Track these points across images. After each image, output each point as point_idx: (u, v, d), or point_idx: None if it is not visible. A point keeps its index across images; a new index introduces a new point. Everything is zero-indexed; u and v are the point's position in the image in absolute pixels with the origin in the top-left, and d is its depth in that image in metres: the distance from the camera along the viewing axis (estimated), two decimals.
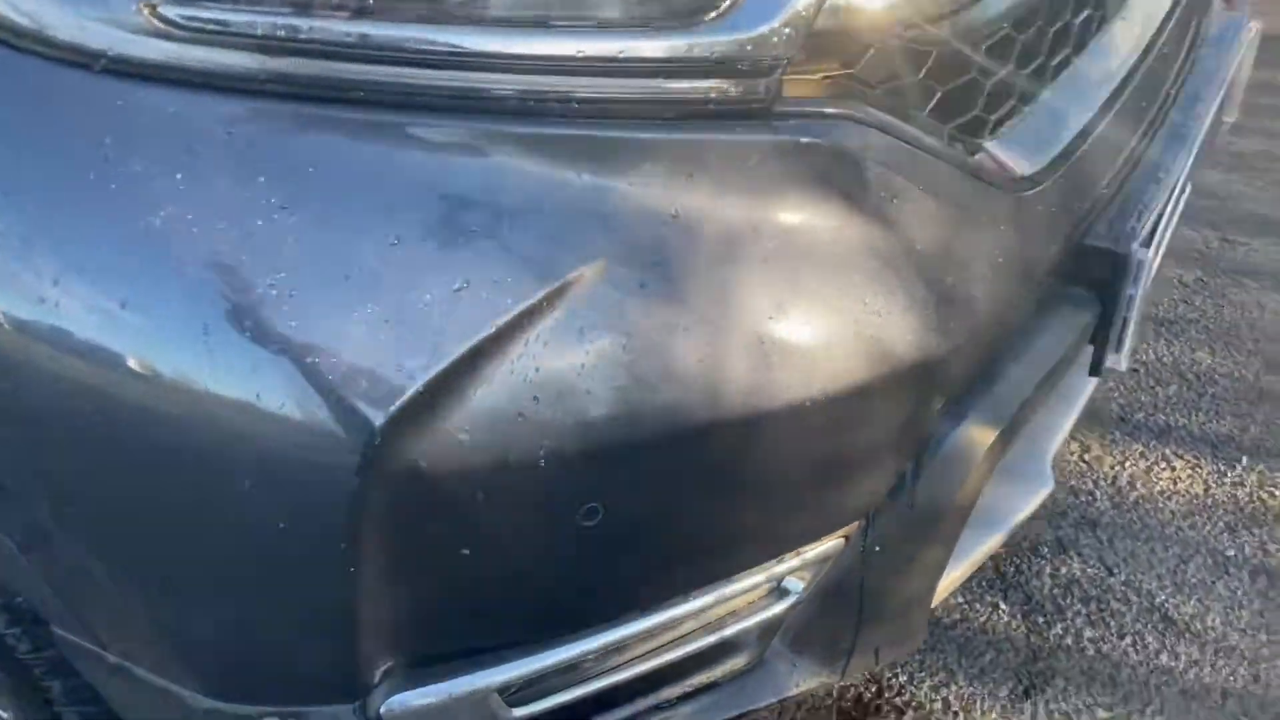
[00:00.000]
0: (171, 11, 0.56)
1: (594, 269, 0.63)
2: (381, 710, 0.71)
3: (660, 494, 0.70)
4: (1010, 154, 0.85)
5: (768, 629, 0.85)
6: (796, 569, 0.83)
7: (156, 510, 0.63)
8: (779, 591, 0.84)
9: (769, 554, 0.80)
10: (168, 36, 0.57)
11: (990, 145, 0.85)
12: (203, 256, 0.57)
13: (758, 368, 0.68)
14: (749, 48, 0.66)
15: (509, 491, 0.64)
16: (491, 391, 0.62)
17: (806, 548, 0.81)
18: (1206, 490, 1.50)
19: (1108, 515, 1.47)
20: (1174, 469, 1.54)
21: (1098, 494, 1.51)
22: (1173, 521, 1.46)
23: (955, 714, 1.23)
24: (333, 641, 0.68)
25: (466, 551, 0.66)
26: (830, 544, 0.82)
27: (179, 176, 0.57)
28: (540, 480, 0.64)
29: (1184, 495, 1.49)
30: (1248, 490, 1.50)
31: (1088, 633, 1.31)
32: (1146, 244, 0.92)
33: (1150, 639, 1.30)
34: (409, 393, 0.60)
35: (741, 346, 0.67)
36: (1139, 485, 1.52)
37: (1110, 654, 1.29)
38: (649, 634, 0.78)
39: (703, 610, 0.80)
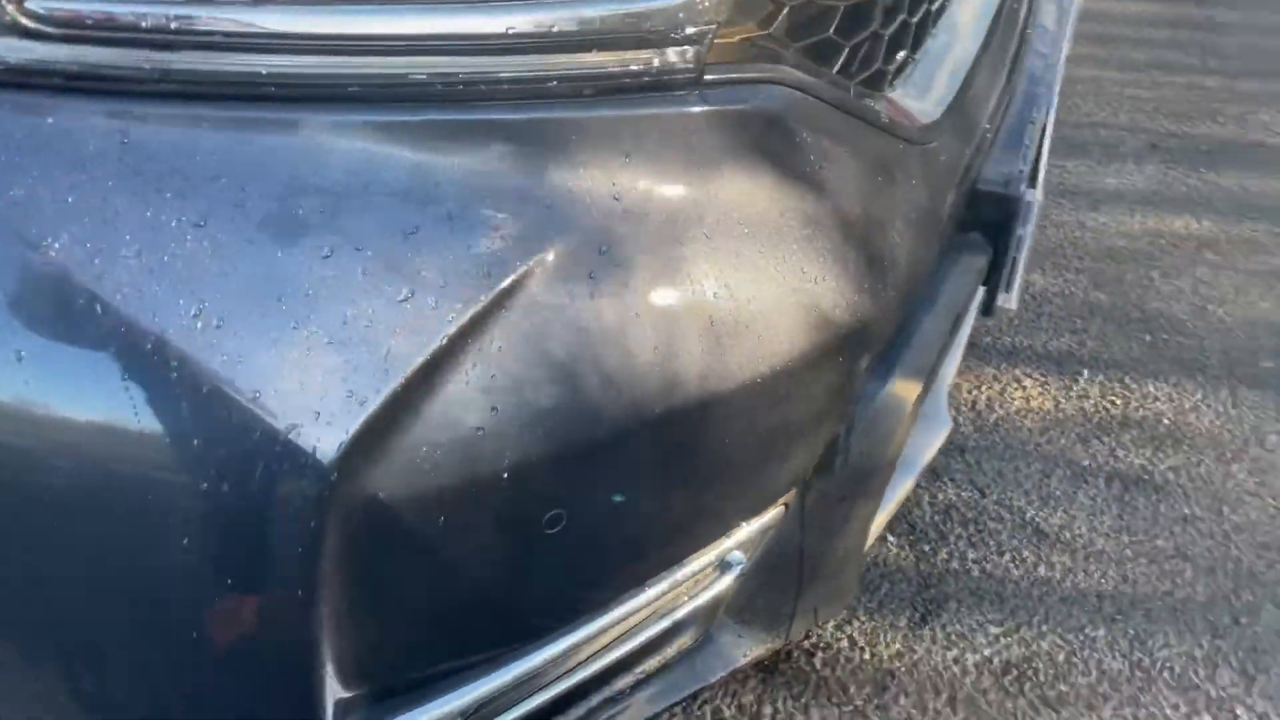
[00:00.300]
0: (42, 6, 0.47)
1: (541, 263, 0.59)
2: None
3: (620, 490, 0.67)
4: (913, 104, 0.85)
5: (714, 605, 0.84)
6: (742, 542, 0.82)
7: (76, 572, 0.55)
8: (723, 566, 0.83)
9: (718, 532, 0.78)
10: (39, 36, 0.48)
11: (894, 97, 0.84)
12: (110, 290, 0.49)
13: (712, 349, 0.66)
14: (680, 14, 0.63)
15: (473, 510, 0.60)
16: (448, 407, 0.57)
17: (751, 520, 0.80)
18: (1057, 405, 1.59)
19: (972, 439, 1.54)
20: (1025, 389, 1.63)
21: (960, 419, 1.58)
22: (1031, 439, 1.54)
23: (861, 649, 1.27)
24: (294, 690, 0.62)
25: (430, 576, 0.61)
26: (772, 513, 0.82)
27: (70, 199, 0.49)
28: (504, 494, 0.60)
29: (1037, 412, 1.58)
30: (1092, 401, 1.60)
31: (970, 554, 1.38)
32: (1032, 185, 0.94)
33: (1027, 553, 1.38)
34: (360, 420, 0.54)
35: (695, 329, 0.65)
36: (996, 407, 1.60)
37: (993, 572, 1.35)
38: (606, 629, 0.75)
39: (657, 598, 0.78)
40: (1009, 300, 0.99)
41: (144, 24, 0.49)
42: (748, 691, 1.23)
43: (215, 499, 0.53)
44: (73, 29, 0.48)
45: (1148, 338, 1.72)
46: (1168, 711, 1.20)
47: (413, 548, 0.59)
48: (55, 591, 0.55)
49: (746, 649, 0.87)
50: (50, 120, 0.49)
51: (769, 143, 0.69)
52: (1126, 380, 1.63)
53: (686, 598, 0.82)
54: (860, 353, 0.78)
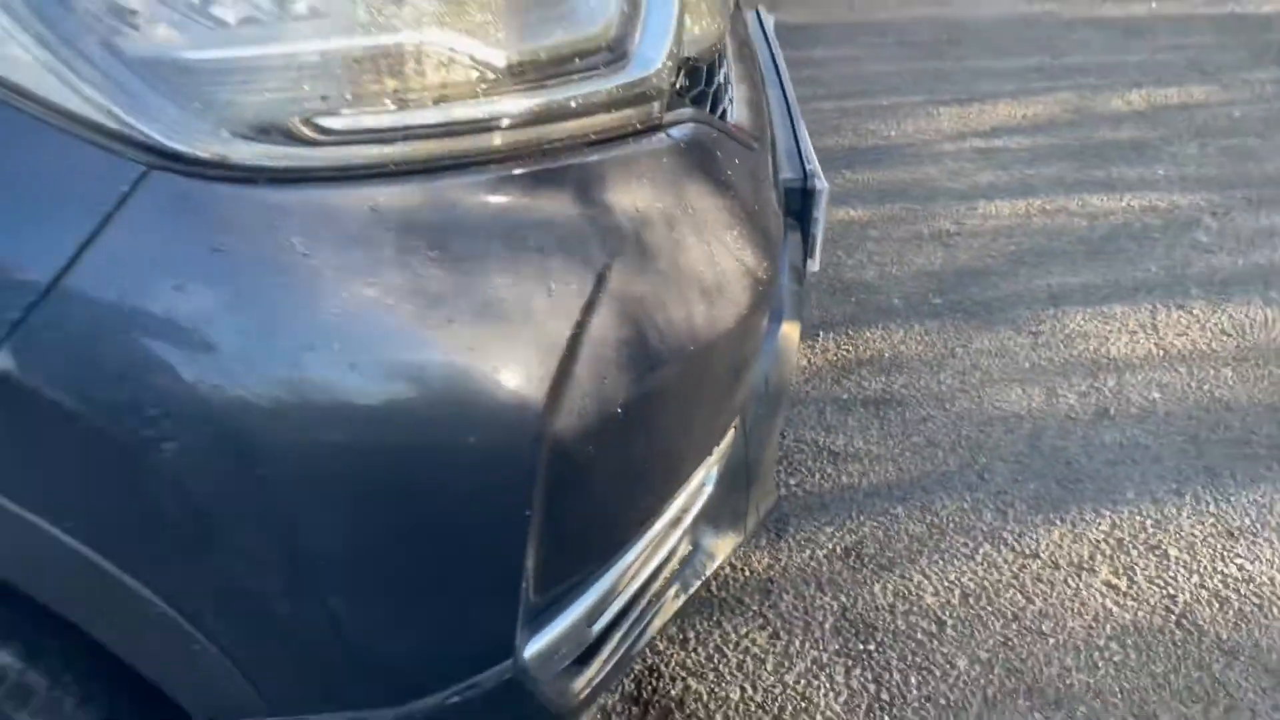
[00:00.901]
0: (329, 122, 0.67)
1: (609, 266, 0.85)
2: (526, 656, 0.86)
3: (672, 422, 0.93)
4: (743, 122, 1.18)
5: (699, 515, 1.11)
6: (712, 461, 1.10)
7: (376, 531, 0.73)
8: (703, 483, 1.10)
9: (706, 453, 1.06)
10: (318, 144, 0.67)
11: (736, 122, 1.17)
12: (402, 313, 0.69)
13: (710, 313, 0.94)
14: (652, 80, 0.91)
15: (610, 444, 0.84)
16: (588, 366, 0.81)
17: (720, 442, 1.09)
18: (810, 360, 2.01)
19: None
20: None
21: None
22: (801, 388, 1.94)
23: (740, 569, 1.58)
24: (502, 607, 0.82)
25: (586, 500, 0.84)
26: (729, 435, 1.11)
27: (359, 254, 0.69)
28: (621, 429, 0.85)
29: (800, 369, 1.99)
30: (833, 352, 2.03)
31: (792, 481, 1.74)
32: (818, 176, 1.31)
33: (829, 469, 1.76)
34: (549, 383, 0.77)
35: (699, 301, 0.92)
36: None
37: (812, 489, 1.72)
38: (655, 535, 1.00)
39: (673, 512, 1.04)
40: (814, 265, 1.35)
41: (383, 128, 0.70)
42: (669, 624, 1.50)
43: (475, 452, 0.74)
44: (341, 137, 0.68)
45: (853, 299, 2.19)
46: (959, 548, 1.62)
47: (581, 475, 0.82)
48: (373, 536, 0.73)
49: (723, 547, 1.15)
50: (336, 202, 0.68)
51: (702, 160, 0.99)
52: (850, 332, 2.09)
53: (686, 512, 1.08)
54: (770, 304, 1.09)
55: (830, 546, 1.62)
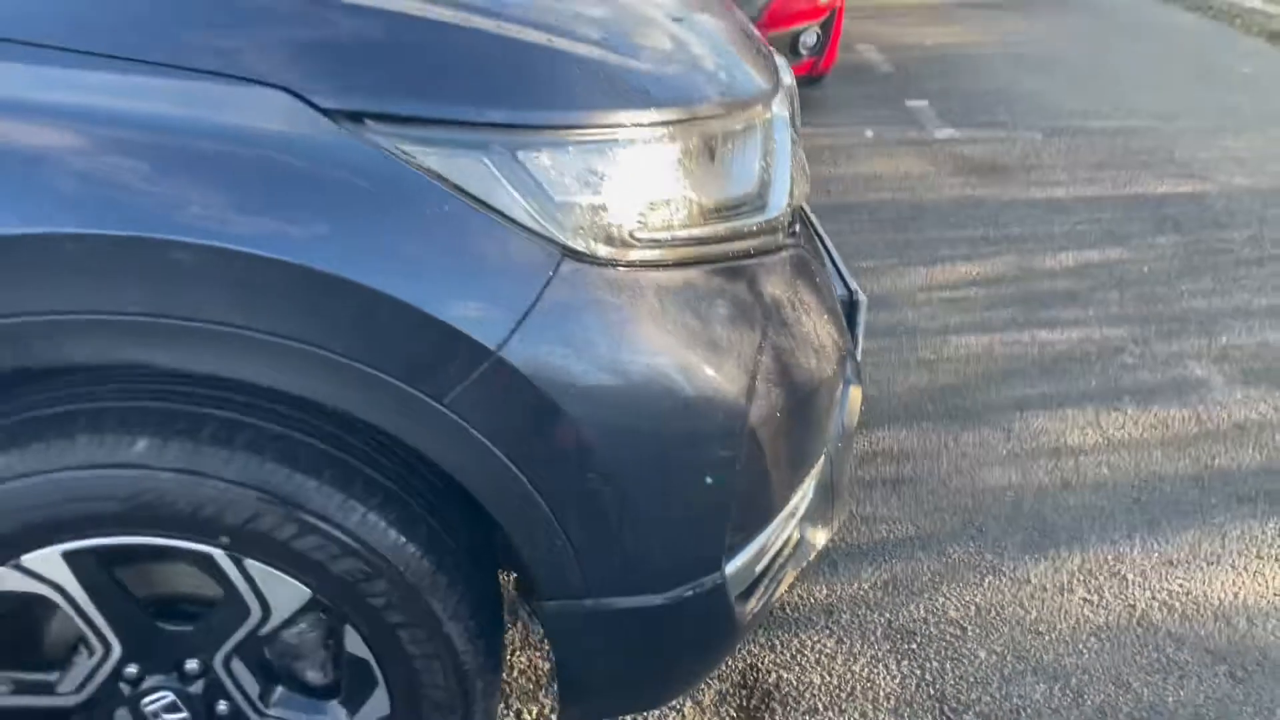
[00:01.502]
0: (639, 235, 1.22)
1: (767, 326, 1.39)
2: (726, 572, 1.35)
3: (798, 434, 1.46)
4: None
5: (804, 515, 1.61)
6: (814, 476, 1.61)
7: (663, 479, 1.24)
8: (806, 492, 1.61)
9: (811, 467, 1.57)
10: (637, 247, 1.23)
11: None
12: (688, 345, 1.23)
13: (818, 364, 1.48)
14: (779, 218, 1.48)
15: (772, 437, 1.36)
16: (762, 386, 1.34)
17: (817, 463, 1.61)
18: None
19: None
20: None
21: None
22: None
23: (802, 596, 2.06)
24: (717, 535, 1.31)
25: (759, 474, 1.36)
26: (822, 459, 1.63)
27: (688, 315, 1.23)
28: (778, 428, 1.37)
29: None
30: (855, 447, 2.56)
31: (837, 536, 2.23)
32: (859, 291, 1.89)
33: (864, 528, 2.26)
34: (747, 391, 1.30)
35: (811, 356, 1.47)
36: None
37: (854, 542, 2.22)
38: (783, 520, 1.51)
39: (791, 506, 1.55)
40: (858, 354, 1.91)
41: (660, 240, 1.26)
42: (788, 592, 1.96)
43: (714, 430, 1.26)
44: (643, 244, 1.23)
45: (864, 409, 2.74)
46: (970, 578, 2.11)
47: (757, 454, 1.34)
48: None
49: (819, 539, 1.64)
50: (640, 276, 1.23)
51: (802, 269, 1.56)
52: (865, 431, 2.63)
53: (796, 508, 1.58)
54: (845, 369, 1.64)
55: (873, 580, 2.11)
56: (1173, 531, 2.26)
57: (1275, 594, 2.09)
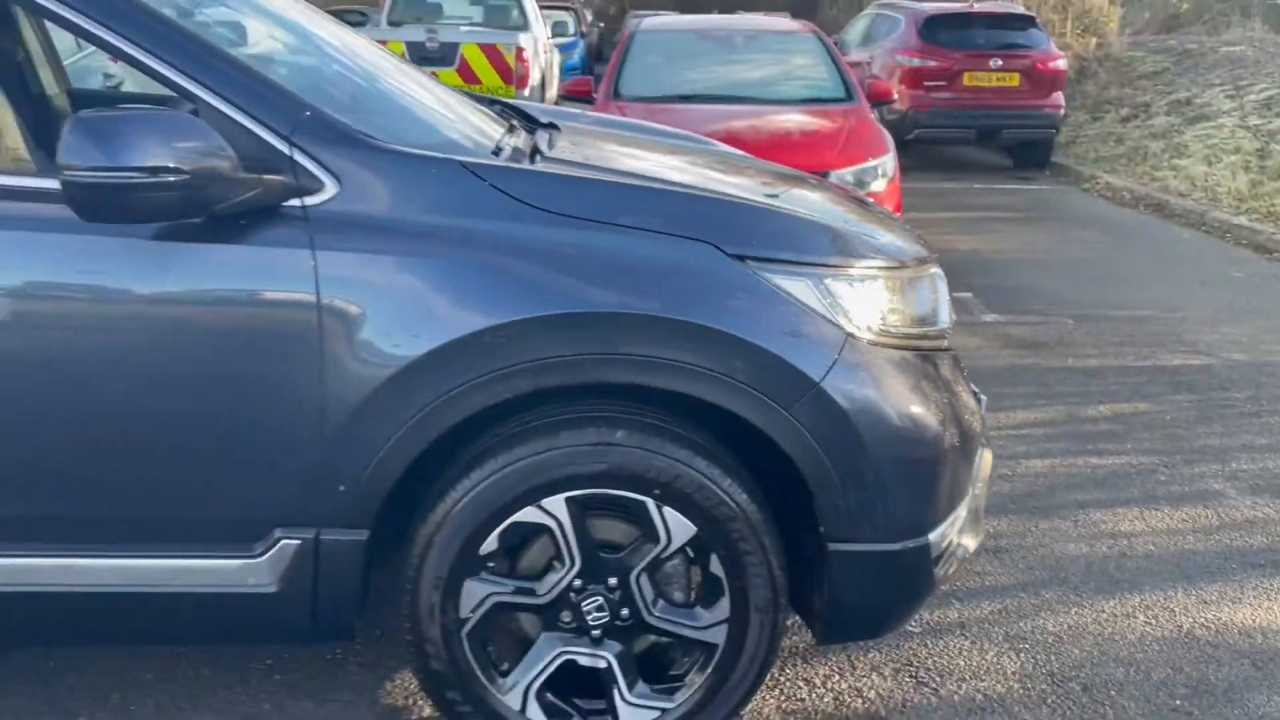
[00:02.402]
0: (881, 326, 2.16)
1: (951, 401, 2.31)
2: (929, 538, 2.20)
3: (968, 463, 2.34)
4: None
5: (959, 529, 2.46)
6: (967, 502, 2.47)
7: (900, 460, 2.13)
8: (959, 512, 2.47)
9: (967, 493, 2.44)
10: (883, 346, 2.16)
11: None
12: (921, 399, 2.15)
13: (973, 421, 2.40)
14: (945, 330, 2.42)
15: (958, 457, 2.25)
16: (949, 420, 2.25)
17: (969, 494, 2.47)
18: None
19: None
20: None
21: None
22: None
23: (925, 623, 2.87)
24: (932, 507, 2.19)
25: (952, 477, 2.24)
26: (970, 491, 2.49)
27: (908, 375, 2.16)
28: (957, 452, 2.27)
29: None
30: None
31: (957, 582, 3.05)
32: (979, 391, 2.80)
33: (976, 578, 3.08)
34: (941, 416, 2.21)
35: (966, 413, 2.38)
36: None
37: (974, 586, 3.04)
38: (950, 523, 2.36)
39: (953, 517, 2.40)
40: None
41: (898, 333, 2.19)
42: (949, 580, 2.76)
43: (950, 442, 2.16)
44: (888, 334, 2.17)
45: None
46: (1073, 604, 2.92)
47: (957, 464, 2.23)
48: None
49: (970, 544, 2.48)
50: (887, 356, 2.16)
51: (957, 362, 2.48)
52: None
53: (955, 520, 2.43)
54: (983, 432, 2.54)
55: (990, 608, 2.93)
56: (1205, 584, 3.08)
57: None
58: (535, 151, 2.45)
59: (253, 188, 1.92)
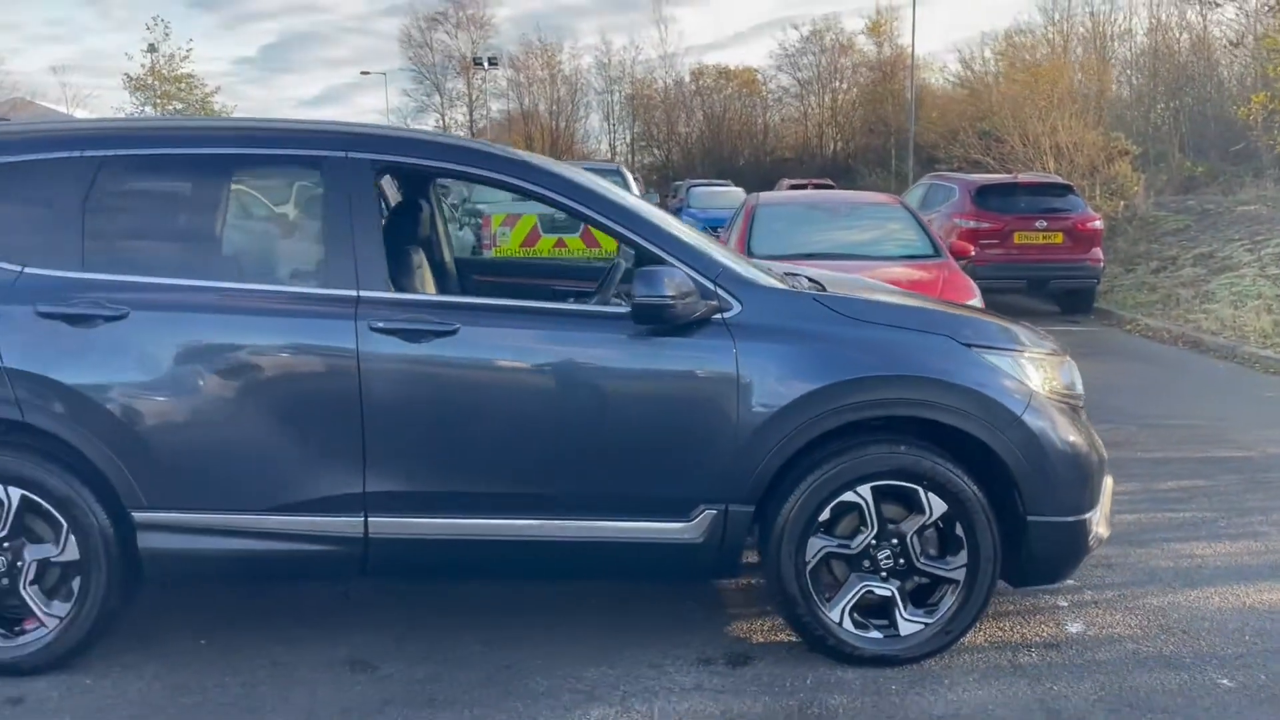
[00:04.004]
0: (1049, 390, 3.63)
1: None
2: (1085, 516, 3.61)
3: (1098, 467, 3.76)
4: None
5: (1095, 522, 3.85)
6: (1102, 502, 3.86)
7: (1069, 461, 3.57)
8: (1099, 506, 3.86)
9: (1100, 498, 3.84)
10: None
11: None
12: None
13: (1100, 451, 3.83)
14: (1080, 395, 3.88)
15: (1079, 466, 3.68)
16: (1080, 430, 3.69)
17: (1103, 497, 3.87)
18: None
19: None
20: None
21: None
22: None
23: (1026, 604, 4.22)
24: (1092, 493, 3.61)
25: (1095, 470, 3.66)
26: (1102, 498, 3.89)
27: (1068, 415, 3.62)
28: (1080, 458, 3.70)
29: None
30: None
31: (1075, 581, 4.39)
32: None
33: (1098, 578, 4.43)
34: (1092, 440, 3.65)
35: (1099, 445, 3.83)
36: None
37: (1100, 582, 4.38)
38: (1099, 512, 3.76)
39: (1099, 509, 3.80)
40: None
41: (1055, 393, 3.66)
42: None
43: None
44: (1051, 392, 3.63)
45: None
46: (1155, 589, 4.27)
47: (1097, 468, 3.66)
48: None
49: (1104, 533, 3.85)
50: (1054, 404, 3.62)
51: (1081, 413, 3.93)
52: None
53: (1101, 510, 3.81)
54: (1104, 462, 3.97)
55: (1110, 594, 4.27)
56: (1258, 581, 4.42)
57: None
58: (819, 285, 4.00)
59: (701, 309, 3.46)
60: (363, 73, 72.86)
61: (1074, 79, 27.42)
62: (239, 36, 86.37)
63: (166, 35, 45.15)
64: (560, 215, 12.43)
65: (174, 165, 3.66)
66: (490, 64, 50.15)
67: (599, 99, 58.03)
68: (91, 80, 71.25)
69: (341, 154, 3.54)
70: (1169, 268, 14.83)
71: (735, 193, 24.71)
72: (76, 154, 3.51)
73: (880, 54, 51.39)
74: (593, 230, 12.74)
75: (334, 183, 3.51)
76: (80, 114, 44.78)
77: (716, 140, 54.36)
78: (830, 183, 30.47)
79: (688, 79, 56.50)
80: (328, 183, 3.53)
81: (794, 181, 29.51)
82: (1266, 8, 18.14)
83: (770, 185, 35.78)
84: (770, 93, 55.94)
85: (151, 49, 45.23)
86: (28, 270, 3.41)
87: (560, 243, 12.57)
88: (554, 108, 56.62)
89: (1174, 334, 11.37)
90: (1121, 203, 18.23)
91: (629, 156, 55.27)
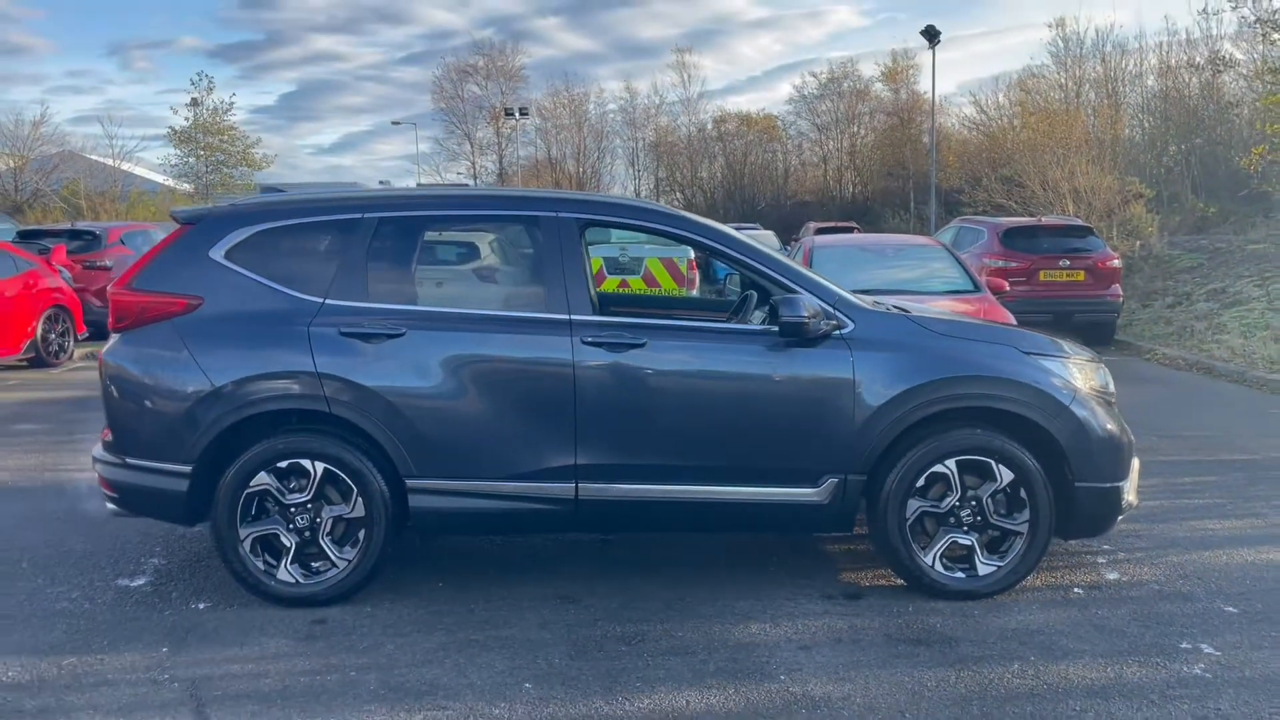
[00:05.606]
0: (1089, 387, 4.76)
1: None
2: (1118, 484, 4.72)
3: (1129, 444, 4.88)
4: None
5: (1127, 490, 4.95)
6: (1130, 474, 4.96)
7: (1107, 441, 4.69)
8: (1129, 477, 4.96)
9: (1131, 467, 4.94)
10: None
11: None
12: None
13: (1129, 439, 4.96)
14: (1113, 391, 5.01)
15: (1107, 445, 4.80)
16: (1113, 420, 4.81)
17: (1132, 471, 4.97)
18: (1064, 545, 5.84)
19: None
20: None
21: None
22: (1083, 544, 5.74)
23: (1048, 572, 5.31)
24: (1125, 466, 4.72)
25: (1126, 448, 4.78)
26: (1131, 472, 4.99)
27: (1105, 407, 4.75)
28: (1114, 442, 4.82)
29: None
30: (1089, 544, 5.87)
31: (1100, 557, 5.48)
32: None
33: (1114, 561, 5.52)
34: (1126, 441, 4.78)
35: (1129, 431, 4.95)
36: None
37: (1119, 559, 5.47)
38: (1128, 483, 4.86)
39: (1129, 481, 4.90)
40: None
41: (1093, 390, 4.79)
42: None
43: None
44: (1090, 389, 4.76)
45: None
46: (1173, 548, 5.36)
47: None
48: None
49: (1133, 500, 4.94)
50: (1095, 399, 4.74)
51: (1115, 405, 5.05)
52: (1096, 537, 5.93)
53: (1131, 481, 4.91)
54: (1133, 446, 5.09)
55: (1142, 555, 5.36)
56: (1261, 545, 5.50)
57: None
58: (904, 310, 5.14)
59: (824, 327, 4.62)
60: (394, 122, 74.65)
61: (1089, 122, 28.64)
62: (258, 85, 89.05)
63: (210, 90, 47.32)
64: (624, 259, 13.76)
65: (431, 224, 4.89)
66: (521, 114, 51.79)
67: (624, 145, 59.72)
68: (115, 130, 72.79)
69: (553, 214, 4.74)
70: (1183, 302, 15.95)
71: (764, 235, 25.13)
72: (359, 216, 4.73)
73: (897, 99, 52.82)
74: (653, 270, 14.21)
75: (549, 235, 4.71)
76: (125, 166, 46.67)
77: (738, 184, 55.74)
78: (854, 225, 31.53)
79: (710, 126, 58.13)
80: (545, 235, 4.72)
81: (821, 225, 30.48)
82: (1268, 70, 19.31)
83: (791, 228, 36.93)
84: (790, 138, 57.43)
85: (195, 103, 47.23)
86: (329, 301, 4.61)
87: (624, 283, 13.78)
88: (580, 154, 58.32)
89: (1189, 361, 12.46)
90: (1138, 243, 19.38)
91: (653, 200, 56.68)
